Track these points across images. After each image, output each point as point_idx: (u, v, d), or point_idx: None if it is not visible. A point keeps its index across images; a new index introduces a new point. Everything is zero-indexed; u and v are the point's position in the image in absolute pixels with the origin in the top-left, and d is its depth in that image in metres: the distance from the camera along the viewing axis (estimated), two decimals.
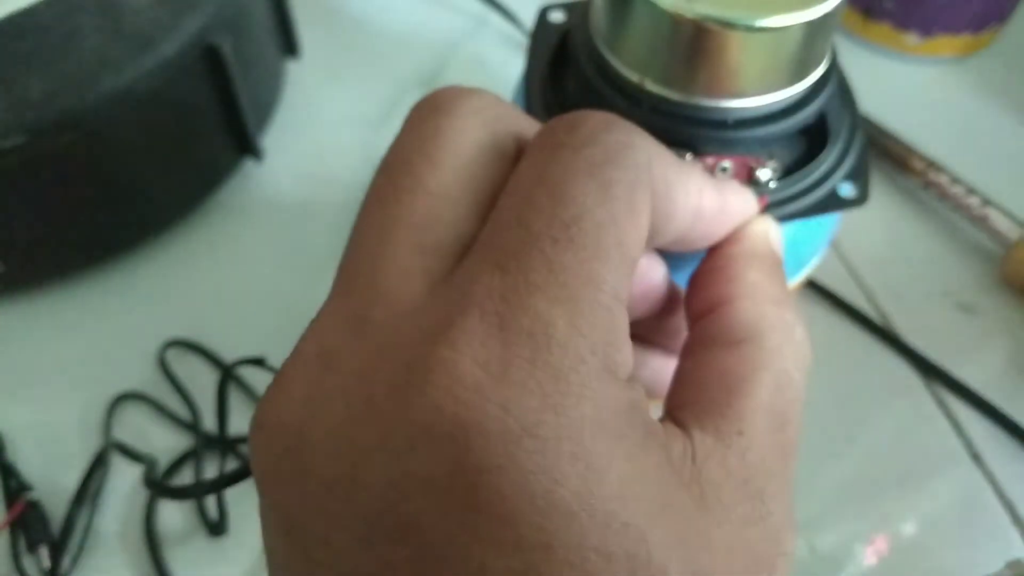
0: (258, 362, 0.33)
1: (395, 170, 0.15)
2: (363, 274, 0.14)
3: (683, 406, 0.15)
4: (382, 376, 0.12)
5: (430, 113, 0.15)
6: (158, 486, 0.29)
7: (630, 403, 0.13)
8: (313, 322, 0.14)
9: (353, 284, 0.14)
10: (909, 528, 0.31)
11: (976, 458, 0.33)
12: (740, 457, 0.14)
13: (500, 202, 0.14)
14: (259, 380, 0.34)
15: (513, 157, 0.15)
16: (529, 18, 0.26)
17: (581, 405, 0.12)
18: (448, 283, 0.13)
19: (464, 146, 0.15)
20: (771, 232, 0.18)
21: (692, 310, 0.17)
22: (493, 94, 0.16)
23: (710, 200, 0.16)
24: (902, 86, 0.46)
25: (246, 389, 0.33)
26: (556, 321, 0.12)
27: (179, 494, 0.29)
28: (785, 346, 0.15)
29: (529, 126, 0.16)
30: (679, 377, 0.16)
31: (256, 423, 0.14)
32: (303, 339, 0.14)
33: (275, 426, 0.13)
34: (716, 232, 0.17)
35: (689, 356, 0.16)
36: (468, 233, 0.14)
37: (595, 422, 0.12)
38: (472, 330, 0.12)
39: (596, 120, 0.15)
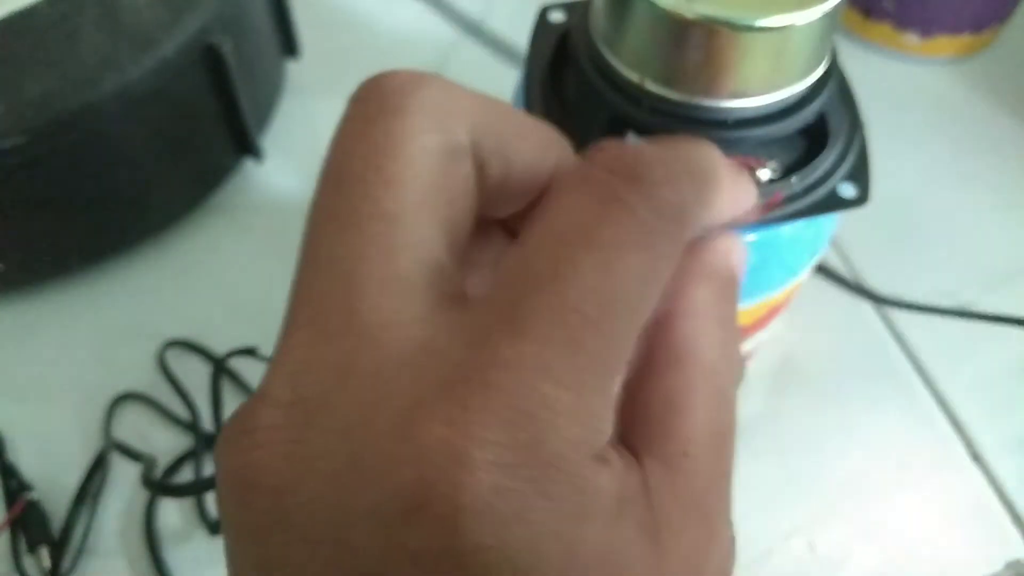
0: (249, 352, 0.33)
1: (349, 189, 0.14)
2: (338, 313, 0.13)
3: (632, 427, 0.15)
4: (372, 439, 0.12)
5: (378, 114, 0.14)
6: (157, 484, 0.29)
7: (607, 480, 0.13)
8: (281, 360, 0.13)
9: (328, 323, 0.13)
10: (909, 528, 0.31)
11: (976, 458, 0.33)
12: (686, 479, 0.14)
13: (534, 238, 0.13)
14: (255, 375, 0.34)
15: (467, 154, 0.14)
16: (528, 20, 0.26)
17: (566, 491, 0.12)
18: (453, 333, 0.13)
19: (418, 155, 0.14)
20: (734, 251, 0.17)
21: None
22: (439, 79, 0.15)
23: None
24: (902, 86, 0.46)
25: (241, 384, 0.34)
26: (560, 409, 0.12)
27: (178, 491, 0.29)
28: (720, 363, 0.15)
29: (489, 114, 0.15)
30: (628, 393, 0.16)
31: (227, 472, 0.13)
32: (272, 381, 0.13)
33: (252, 483, 0.12)
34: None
35: (634, 371, 0.16)
36: (431, 256, 0.14)
37: (578, 505, 0.12)
38: (474, 407, 0.12)
39: (661, 172, 0.14)
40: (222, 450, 0.13)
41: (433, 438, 0.12)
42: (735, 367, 0.16)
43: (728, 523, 0.15)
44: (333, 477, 0.12)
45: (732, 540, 0.15)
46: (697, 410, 0.15)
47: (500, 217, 0.17)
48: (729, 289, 0.17)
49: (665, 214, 0.13)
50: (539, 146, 0.16)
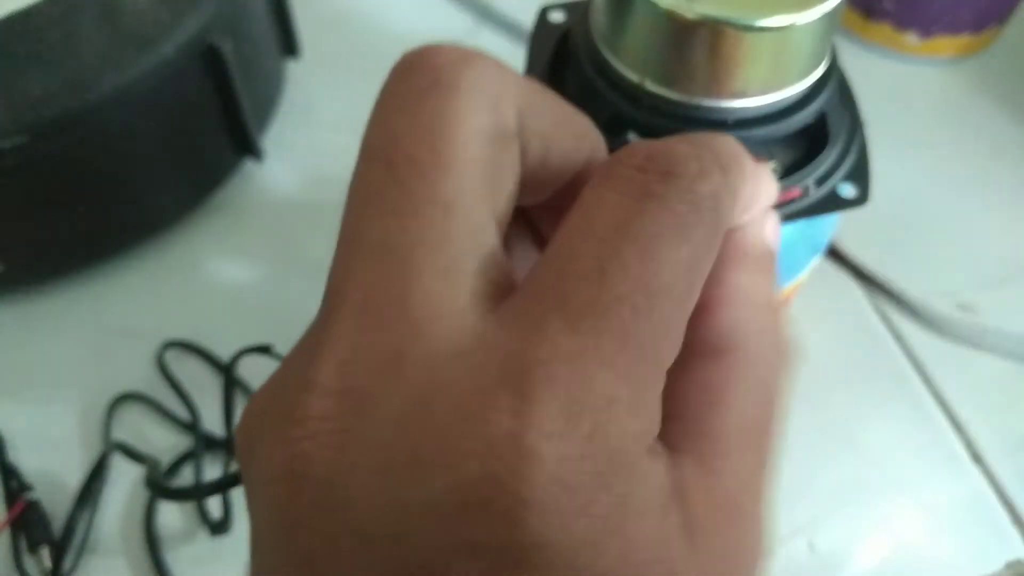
0: (264, 350, 0.32)
1: (403, 171, 0.13)
2: (389, 301, 0.13)
3: (667, 422, 0.14)
4: (429, 431, 0.12)
5: (428, 89, 0.13)
6: (161, 488, 0.29)
7: (661, 475, 0.13)
8: (329, 348, 0.13)
9: (377, 311, 0.13)
10: (909, 528, 0.31)
11: (976, 458, 0.33)
12: (720, 480, 0.14)
13: (573, 234, 0.13)
14: (260, 378, 0.34)
15: (515, 137, 0.14)
16: (529, 18, 0.26)
17: (628, 485, 0.12)
18: (502, 325, 0.12)
19: (472, 137, 0.13)
20: (768, 226, 0.17)
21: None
22: (488, 57, 0.14)
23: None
24: (902, 86, 0.46)
25: (247, 389, 0.33)
26: (620, 401, 0.12)
27: (181, 495, 0.29)
28: (768, 353, 0.15)
29: (533, 96, 0.15)
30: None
31: (269, 462, 0.12)
32: (319, 370, 0.13)
33: (300, 474, 0.12)
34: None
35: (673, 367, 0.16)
36: (485, 244, 0.13)
37: (636, 498, 0.12)
38: (537, 399, 0.11)
39: (695, 166, 0.13)
40: (262, 440, 0.13)
41: (500, 431, 0.11)
42: (780, 353, 0.15)
43: (762, 523, 0.14)
44: (388, 469, 0.12)
45: (765, 540, 0.15)
46: (735, 405, 0.14)
47: (523, 204, 0.16)
48: (769, 267, 0.16)
49: (701, 206, 0.13)
50: (576, 135, 0.16)
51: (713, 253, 0.14)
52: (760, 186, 0.16)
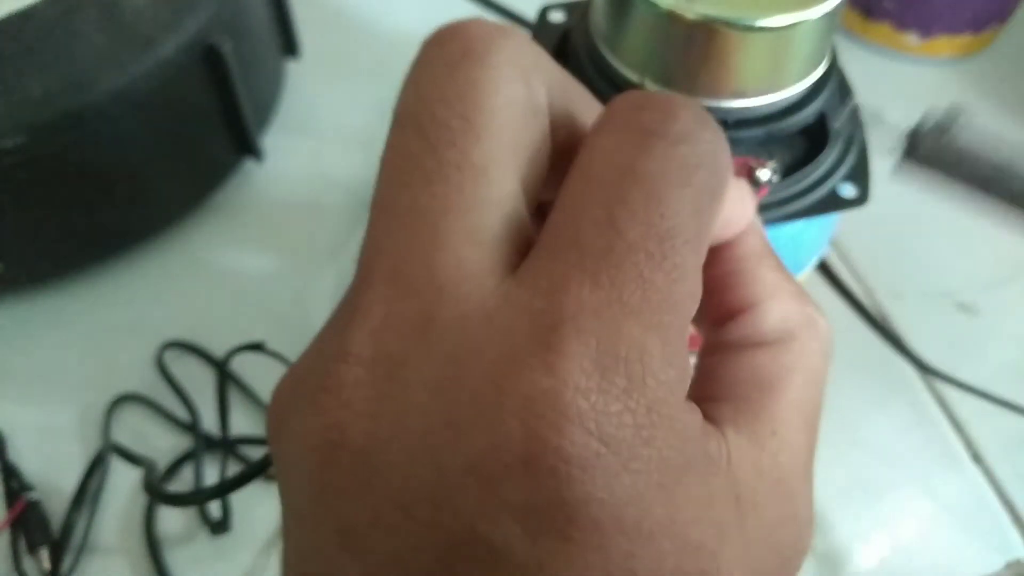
0: (256, 347, 0.32)
1: (435, 137, 0.13)
2: (418, 267, 0.13)
3: (713, 401, 0.15)
4: (464, 393, 0.12)
5: (462, 59, 0.13)
6: (158, 493, 0.29)
7: (699, 430, 0.13)
8: (360, 316, 0.13)
9: (406, 278, 0.13)
10: (909, 528, 0.31)
11: (976, 458, 0.33)
12: (773, 458, 0.14)
13: (578, 185, 0.13)
14: (259, 378, 0.34)
15: (545, 113, 0.14)
16: (529, 17, 0.26)
17: (668, 438, 0.12)
18: (524, 283, 0.12)
19: (504, 107, 0.13)
20: (762, 228, 0.17)
21: (715, 314, 0.16)
22: (523, 35, 0.14)
23: (741, 207, 0.16)
24: (902, 86, 0.46)
25: (245, 389, 0.33)
26: (651, 350, 0.12)
27: (181, 501, 0.29)
28: (813, 343, 0.15)
29: (559, 76, 0.15)
30: (704, 372, 0.16)
31: (305, 433, 0.12)
32: (351, 338, 0.13)
33: (337, 444, 0.12)
34: (728, 234, 0.17)
35: (714, 354, 0.16)
36: (514, 212, 0.13)
37: (679, 452, 0.12)
38: (571, 354, 0.11)
39: (690, 113, 0.14)
40: (296, 413, 0.13)
41: (537, 389, 0.11)
42: (824, 343, 0.16)
43: (811, 507, 0.15)
44: (426, 434, 0.12)
45: (812, 524, 0.15)
46: (791, 391, 0.15)
47: (548, 199, 0.16)
48: (781, 263, 0.17)
49: (700, 149, 0.13)
50: None
51: (716, 206, 0.14)
52: (746, 194, 0.16)
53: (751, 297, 0.16)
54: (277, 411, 0.14)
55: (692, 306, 0.13)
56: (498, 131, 0.13)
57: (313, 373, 0.13)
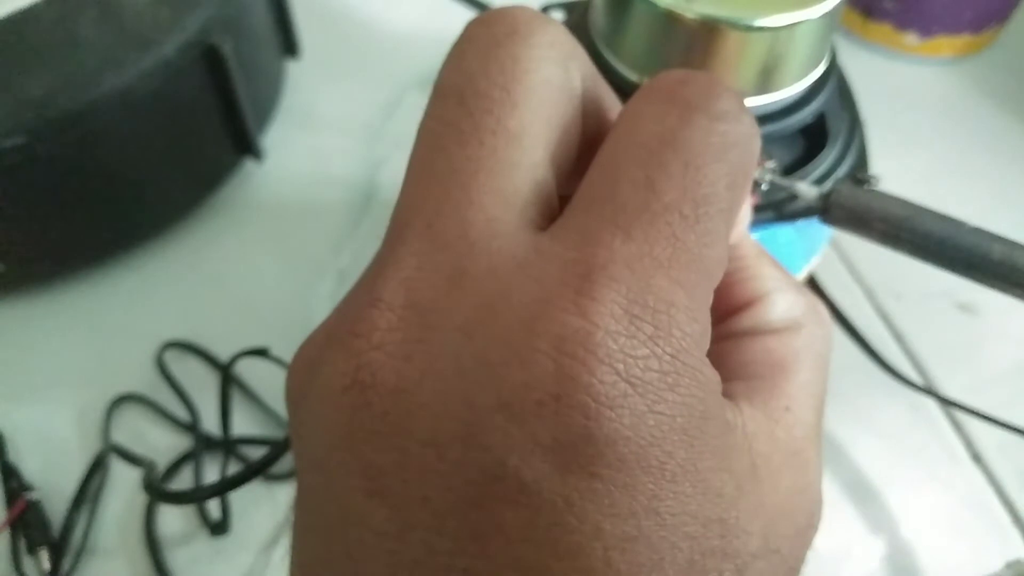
0: (260, 352, 0.32)
1: (473, 105, 0.14)
2: (451, 222, 0.13)
3: (726, 382, 0.15)
4: (497, 334, 0.12)
5: (505, 38, 0.14)
6: (158, 491, 0.29)
7: (719, 387, 0.13)
8: (393, 267, 0.13)
9: (439, 233, 0.13)
10: (909, 528, 0.31)
11: (976, 458, 0.33)
12: (788, 432, 0.15)
13: (617, 148, 0.14)
14: (259, 379, 0.34)
15: (579, 96, 0.15)
16: None
17: (692, 387, 0.12)
18: (556, 237, 0.13)
19: (542, 85, 0.14)
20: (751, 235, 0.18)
21: (723, 309, 0.17)
22: (562, 25, 0.15)
23: (746, 208, 0.17)
24: (902, 86, 0.46)
25: (245, 389, 0.33)
26: (678, 304, 0.12)
27: (179, 499, 0.29)
28: (818, 330, 0.16)
29: (592, 69, 0.15)
30: (715, 358, 0.16)
31: (335, 375, 0.13)
32: (383, 287, 0.13)
33: (368, 385, 0.12)
34: (733, 236, 0.17)
35: (725, 342, 0.16)
36: (543, 180, 0.14)
37: (700, 402, 0.12)
38: (602, 299, 0.12)
39: (731, 94, 0.14)
40: (326, 360, 0.13)
41: (569, 329, 0.12)
42: (827, 331, 0.17)
43: (820, 482, 0.15)
44: (457, 375, 0.12)
45: (822, 501, 0.15)
46: (802, 371, 0.15)
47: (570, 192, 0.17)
48: (773, 259, 0.18)
49: (738, 130, 0.14)
50: None
51: (747, 187, 0.14)
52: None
53: (757, 290, 0.17)
54: (302, 365, 0.14)
55: (718, 274, 0.13)
56: (535, 105, 0.14)
57: (343, 322, 0.13)
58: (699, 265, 0.13)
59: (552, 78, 0.14)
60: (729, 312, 0.17)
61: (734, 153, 0.14)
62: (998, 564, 0.30)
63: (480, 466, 0.12)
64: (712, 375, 0.13)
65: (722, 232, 0.13)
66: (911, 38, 0.47)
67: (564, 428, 0.11)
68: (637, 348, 0.12)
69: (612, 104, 0.16)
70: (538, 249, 0.13)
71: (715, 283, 0.13)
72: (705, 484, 0.12)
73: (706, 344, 0.13)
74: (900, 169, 0.41)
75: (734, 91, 0.14)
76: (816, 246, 0.26)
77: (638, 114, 0.14)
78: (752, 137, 0.14)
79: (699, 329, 0.13)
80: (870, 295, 0.38)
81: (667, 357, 0.12)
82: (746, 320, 0.16)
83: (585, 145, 0.15)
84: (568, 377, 0.11)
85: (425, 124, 0.14)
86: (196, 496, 0.28)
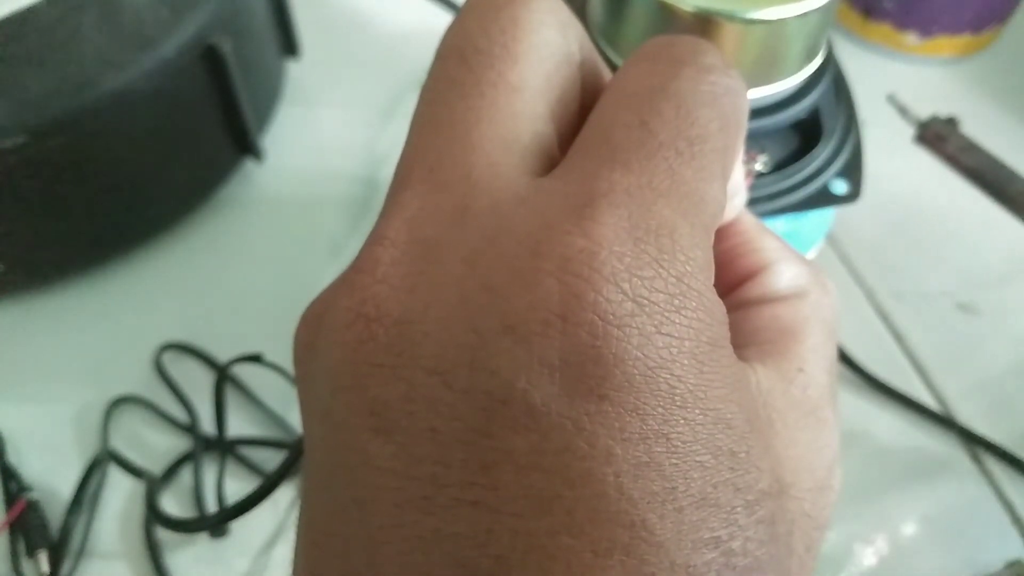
0: (255, 359, 0.33)
1: (475, 60, 0.14)
2: (453, 166, 0.13)
3: (737, 348, 0.15)
4: (500, 261, 0.12)
5: (506, 3, 0.15)
6: (163, 519, 0.28)
7: (725, 313, 0.13)
8: (396, 209, 0.13)
9: (441, 176, 0.13)
10: (909, 528, 0.31)
11: (976, 458, 0.33)
12: (803, 391, 0.15)
13: (610, 101, 0.14)
14: (256, 379, 0.34)
15: (578, 64, 0.15)
16: None
17: (699, 311, 0.12)
18: (558, 177, 0.13)
19: (542, 45, 0.14)
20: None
21: (729, 281, 0.17)
22: (561, 0, 0.16)
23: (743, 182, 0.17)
24: (902, 86, 0.46)
25: (243, 390, 0.33)
26: (680, 230, 0.12)
27: (185, 527, 0.29)
28: (825, 299, 0.17)
29: (588, 41, 0.16)
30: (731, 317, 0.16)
31: (341, 311, 0.13)
32: (388, 226, 0.13)
33: (373, 318, 0.12)
34: (731, 212, 0.18)
35: (733, 312, 0.16)
36: (544, 132, 0.14)
37: (708, 327, 0.12)
38: (605, 222, 0.12)
39: (718, 54, 0.15)
40: (332, 305, 0.13)
41: (573, 249, 0.12)
42: (833, 301, 0.17)
43: (837, 444, 0.16)
44: (461, 302, 0.12)
45: (840, 466, 0.16)
46: (812, 335, 0.16)
47: None
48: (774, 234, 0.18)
49: (726, 82, 0.14)
50: None
51: (739, 135, 0.14)
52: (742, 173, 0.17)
53: (762, 261, 0.17)
54: (310, 317, 0.14)
55: (717, 213, 0.13)
56: (535, 62, 0.14)
57: (349, 270, 0.13)
58: (698, 198, 0.13)
59: (552, 41, 0.15)
60: (736, 283, 0.17)
61: (724, 100, 0.14)
62: (998, 564, 0.30)
63: (487, 391, 0.11)
64: (719, 305, 0.13)
65: (717, 172, 0.13)
66: (911, 38, 0.47)
67: (571, 348, 0.11)
68: (643, 268, 0.12)
69: (607, 74, 0.16)
70: (539, 187, 0.13)
71: (714, 223, 0.13)
72: (716, 413, 0.12)
73: (710, 276, 0.13)
74: (900, 169, 0.41)
75: (722, 55, 0.15)
76: (811, 242, 0.26)
77: (629, 73, 0.14)
78: (740, 91, 0.14)
79: (702, 256, 0.13)
80: (870, 295, 0.38)
81: (672, 279, 0.12)
82: (753, 290, 0.17)
83: (583, 115, 0.15)
84: (574, 296, 0.11)
85: (427, 84, 0.15)
86: (202, 525, 0.28)
